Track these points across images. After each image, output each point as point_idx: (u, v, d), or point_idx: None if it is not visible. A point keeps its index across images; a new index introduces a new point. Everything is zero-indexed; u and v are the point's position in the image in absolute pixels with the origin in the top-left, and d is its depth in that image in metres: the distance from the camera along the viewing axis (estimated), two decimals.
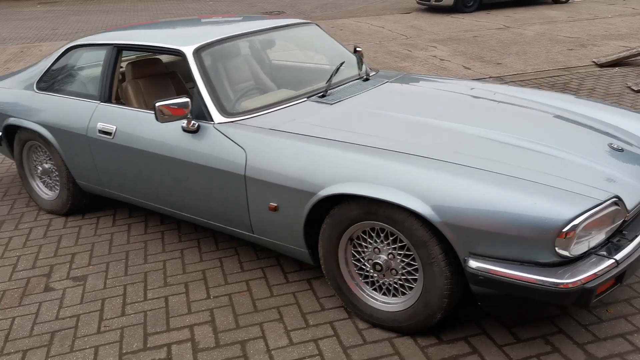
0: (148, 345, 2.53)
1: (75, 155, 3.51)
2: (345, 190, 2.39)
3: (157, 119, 2.77)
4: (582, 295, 2.06)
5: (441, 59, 8.41)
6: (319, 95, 3.14)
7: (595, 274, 2.08)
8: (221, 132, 2.82)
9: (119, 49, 3.40)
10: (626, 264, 2.16)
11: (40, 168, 3.91)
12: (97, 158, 3.38)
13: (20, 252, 3.44)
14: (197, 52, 3.07)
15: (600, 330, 2.49)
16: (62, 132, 3.51)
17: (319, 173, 2.50)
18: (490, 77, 7.13)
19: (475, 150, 2.45)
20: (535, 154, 2.45)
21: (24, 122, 3.72)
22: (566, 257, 2.08)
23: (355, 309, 2.61)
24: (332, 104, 3.02)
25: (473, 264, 2.18)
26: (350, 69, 3.56)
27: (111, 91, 3.38)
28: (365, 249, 2.52)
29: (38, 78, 3.82)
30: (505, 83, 6.70)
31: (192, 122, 2.89)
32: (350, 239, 2.55)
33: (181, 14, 15.08)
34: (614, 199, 2.16)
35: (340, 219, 2.49)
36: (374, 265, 2.50)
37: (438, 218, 2.20)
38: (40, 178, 3.97)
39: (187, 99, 2.81)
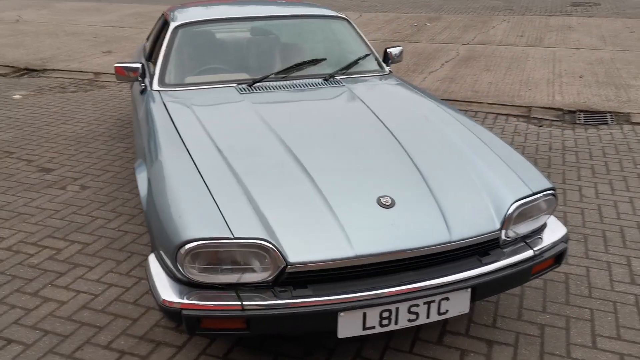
0: (33, 254, 3.31)
1: None
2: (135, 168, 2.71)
3: (116, 77, 3.46)
4: (185, 320, 2.01)
5: None
6: (248, 84, 3.31)
7: (199, 305, 2.00)
8: (147, 97, 3.32)
9: (165, 19, 4.13)
10: (254, 313, 1.98)
11: None
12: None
13: (90, 165, 4.63)
14: (176, 29, 3.59)
15: None
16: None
17: (139, 149, 2.85)
18: None
19: (251, 160, 2.44)
20: (289, 182, 2.31)
21: None
22: (186, 277, 2.04)
23: None
24: (242, 94, 3.18)
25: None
26: (329, 67, 3.53)
27: (152, 53, 4.16)
28: None
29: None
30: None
31: (142, 84, 3.48)
32: None
33: None
34: (260, 242, 1.99)
35: None
36: None
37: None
38: None
39: (139, 64, 3.40)
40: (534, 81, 6.89)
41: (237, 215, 2.10)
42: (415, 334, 2.55)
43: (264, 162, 2.44)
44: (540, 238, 2.41)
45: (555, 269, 2.93)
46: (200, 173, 2.33)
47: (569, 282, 2.93)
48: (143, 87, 3.46)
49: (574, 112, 5.86)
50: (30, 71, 7.84)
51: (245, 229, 2.04)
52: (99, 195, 3.97)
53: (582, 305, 2.74)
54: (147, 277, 2.21)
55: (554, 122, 5.58)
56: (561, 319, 2.65)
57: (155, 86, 3.36)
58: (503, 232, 2.24)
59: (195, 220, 2.06)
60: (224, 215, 2.09)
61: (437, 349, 2.46)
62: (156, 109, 3.06)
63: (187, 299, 2.02)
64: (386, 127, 2.77)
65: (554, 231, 2.45)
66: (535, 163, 2.51)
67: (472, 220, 2.20)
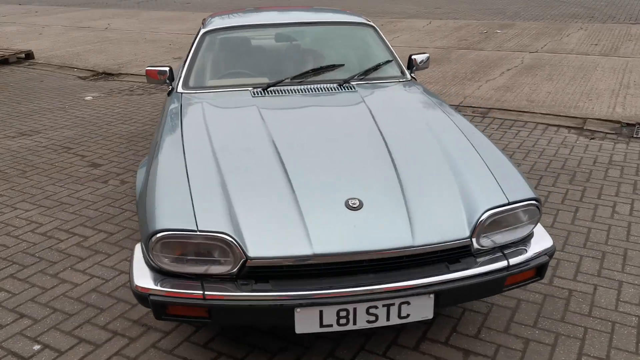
0: (63, 239, 3.64)
1: None
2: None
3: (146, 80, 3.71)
4: (152, 305, 2.15)
5: None
6: (262, 88, 3.43)
7: (165, 291, 2.13)
8: (171, 98, 3.54)
9: (201, 26, 4.35)
10: (213, 303, 2.09)
11: None
12: None
13: (134, 162, 4.94)
14: (204, 35, 3.79)
15: None
16: None
17: (151, 147, 3.04)
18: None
19: (239, 160, 2.55)
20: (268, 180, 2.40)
21: None
22: (157, 266, 2.18)
23: None
24: (253, 97, 3.31)
25: None
26: (348, 73, 3.58)
27: (188, 56, 4.39)
28: None
29: None
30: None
31: (170, 86, 3.70)
32: None
33: None
34: (222, 235, 2.10)
35: None
36: None
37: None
38: None
39: (167, 68, 3.64)
40: (597, 92, 6.57)
41: (207, 209, 2.21)
42: (394, 337, 2.56)
43: (250, 162, 2.55)
44: (524, 249, 2.35)
45: (563, 285, 2.87)
46: (186, 170, 2.47)
47: (570, 298, 2.81)
48: (170, 89, 3.68)
49: (633, 125, 5.54)
50: (107, 75, 8.44)
51: (211, 223, 2.15)
52: (133, 190, 4.24)
53: (577, 323, 2.63)
54: (129, 263, 2.37)
55: (608, 135, 5.31)
56: (550, 336, 2.55)
57: (180, 88, 3.56)
58: (474, 240, 2.21)
59: (166, 212, 2.20)
60: (195, 209, 2.21)
61: (411, 355, 2.45)
62: (173, 110, 3.25)
63: (156, 286, 2.16)
64: (381, 133, 2.79)
65: (538, 243, 2.38)
66: (519, 169, 2.44)
67: (440, 227, 2.19)
